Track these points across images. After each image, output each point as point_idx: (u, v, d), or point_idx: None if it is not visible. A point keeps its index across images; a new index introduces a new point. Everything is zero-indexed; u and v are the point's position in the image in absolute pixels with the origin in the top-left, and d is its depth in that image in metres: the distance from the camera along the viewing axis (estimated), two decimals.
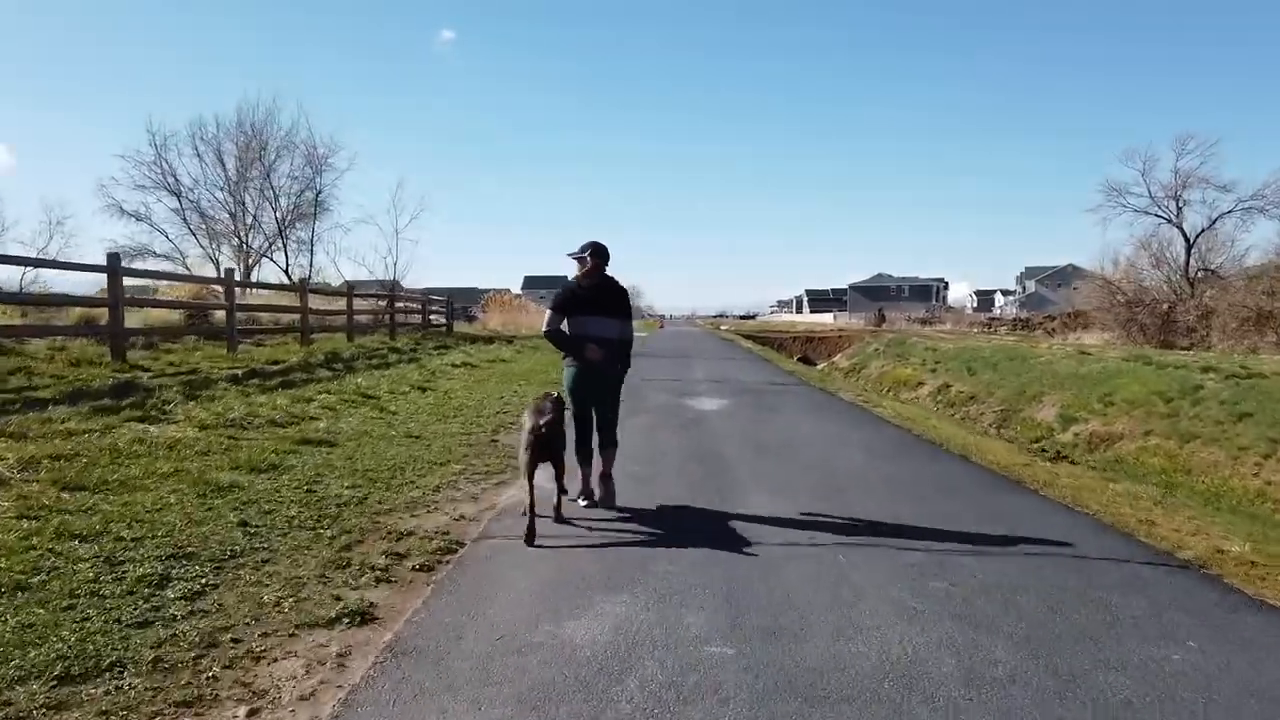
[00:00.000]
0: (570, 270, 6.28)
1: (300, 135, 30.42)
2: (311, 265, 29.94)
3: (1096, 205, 42.26)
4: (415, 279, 34.37)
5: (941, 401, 26.73)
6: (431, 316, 27.77)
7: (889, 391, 30.45)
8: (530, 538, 5.16)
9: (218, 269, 30.01)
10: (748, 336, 54.26)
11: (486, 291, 60.83)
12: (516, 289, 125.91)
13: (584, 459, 6.30)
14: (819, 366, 42.58)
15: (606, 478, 6.17)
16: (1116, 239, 70.90)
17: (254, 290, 22.18)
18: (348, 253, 49.75)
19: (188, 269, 29.10)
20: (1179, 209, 39.38)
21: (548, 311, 6.19)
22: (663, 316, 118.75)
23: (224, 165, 29.46)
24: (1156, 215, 40.35)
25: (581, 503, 6.14)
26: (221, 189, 29.71)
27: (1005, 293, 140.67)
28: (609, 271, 6.21)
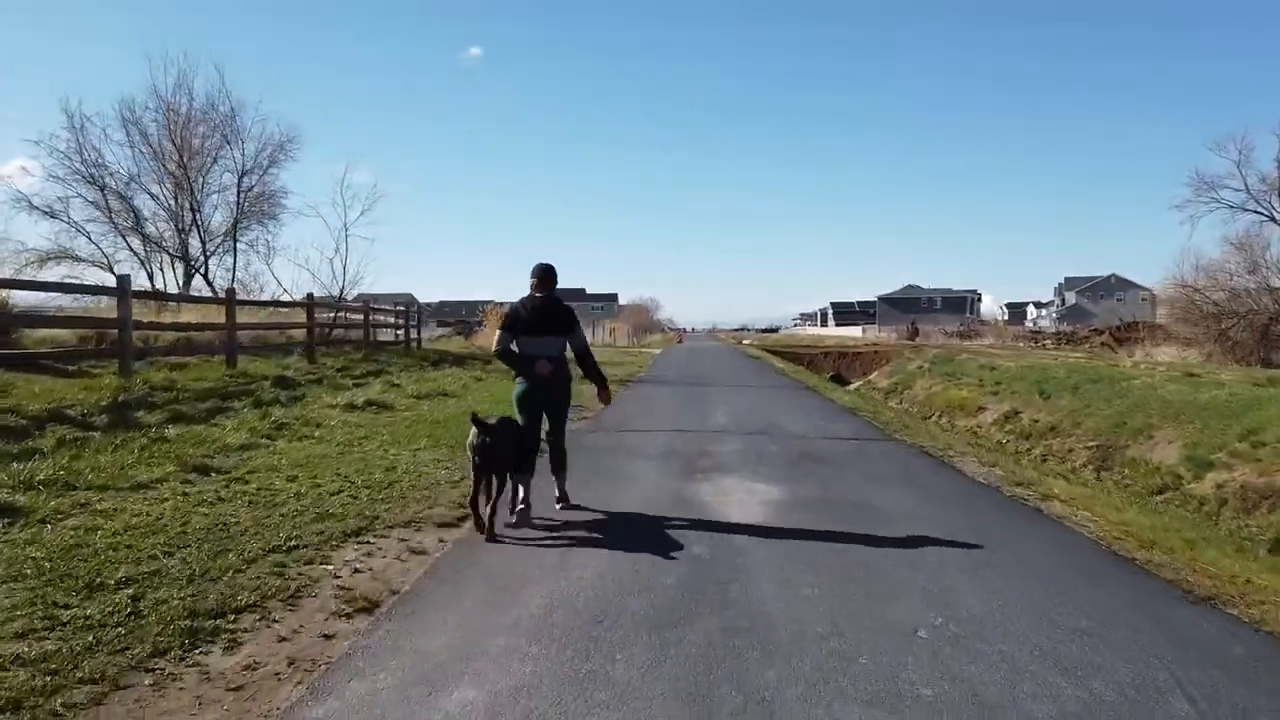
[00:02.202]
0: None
1: (222, 109, 25.65)
2: (234, 271, 25.20)
3: (1183, 202, 37.09)
4: (391, 285, 29.51)
5: (1012, 432, 22.02)
6: (379, 331, 22.82)
7: (942, 417, 25.83)
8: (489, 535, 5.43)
9: (150, 278, 25.63)
10: (774, 352, 50.18)
11: (501, 305, 56.15)
12: None
13: (526, 470, 6.12)
14: (853, 385, 38.29)
15: (563, 498, 6.47)
16: (1200, 241, 65.35)
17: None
18: (289, 254, 42.98)
19: (117, 277, 24.53)
20: None
21: (498, 332, 6.37)
22: (682, 330, 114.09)
23: (153, 150, 24.85)
24: (1255, 212, 35.16)
25: (512, 518, 5.92)
26: (157, 180, 25.16)
27: (1039, 305, 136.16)
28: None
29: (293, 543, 5.00)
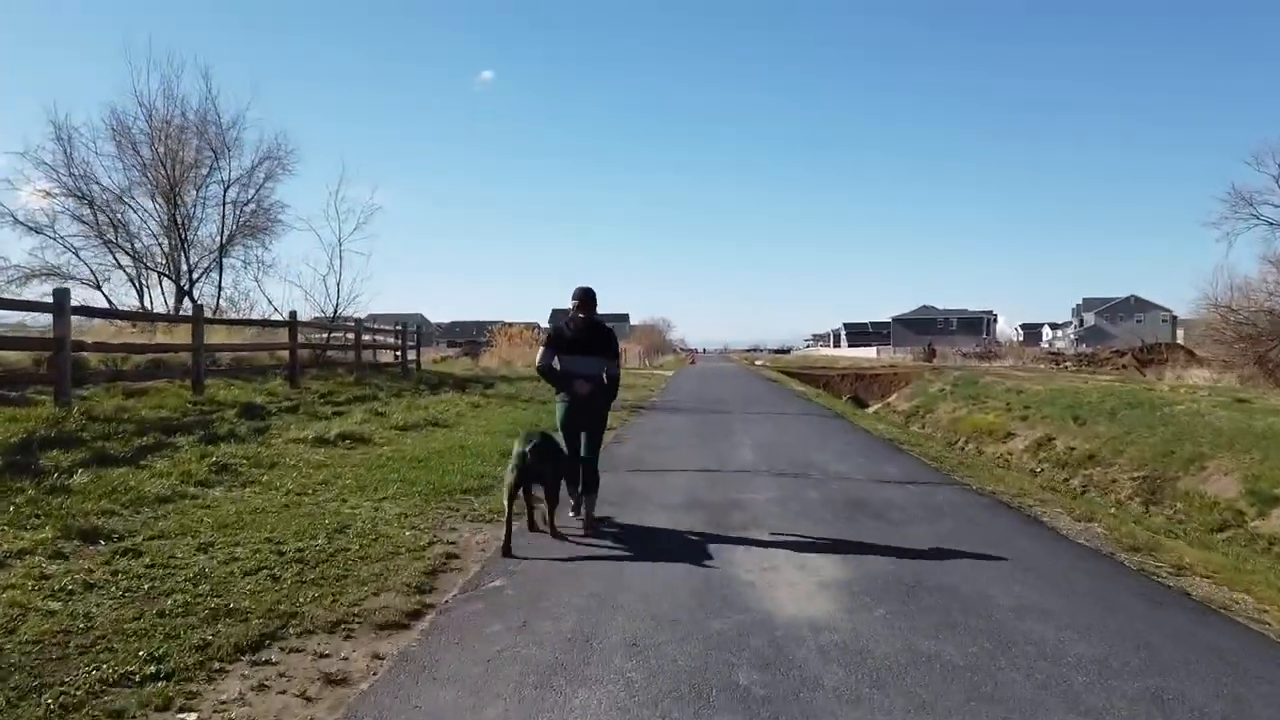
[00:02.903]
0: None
1: (211, 117, 24.24)
2: (221, 289, 23.65)
3: (1218, 218, 35.35)
4: (386, 304, 28.09)
5: (1046, 460, 20.40)
6: (379, 353, 21.20)
7: (969, 442, 24.15)
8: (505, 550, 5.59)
9: (140, 296, 24.22)
10: (789, 373, 48.61)
11: (510, 325, 54.36)
12: (544, 322, 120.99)
13: (573, 483, 6.50)
14: (872, 408, 36.67)
15: (589, 520, 6.46)
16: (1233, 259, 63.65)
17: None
18: (282, 270, 40.69)
19: (105, 296, 23.16)
20: None
21: (540, 348, 6.55)
22: (693, 351, 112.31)
23: (143, 161, 23.45)
24: None
25: (570, 514, 6.46)
26: (147, 194, 23.77)
27: (1054, 326, 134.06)
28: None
29: (153, 668, 3.40)
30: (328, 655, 3.74)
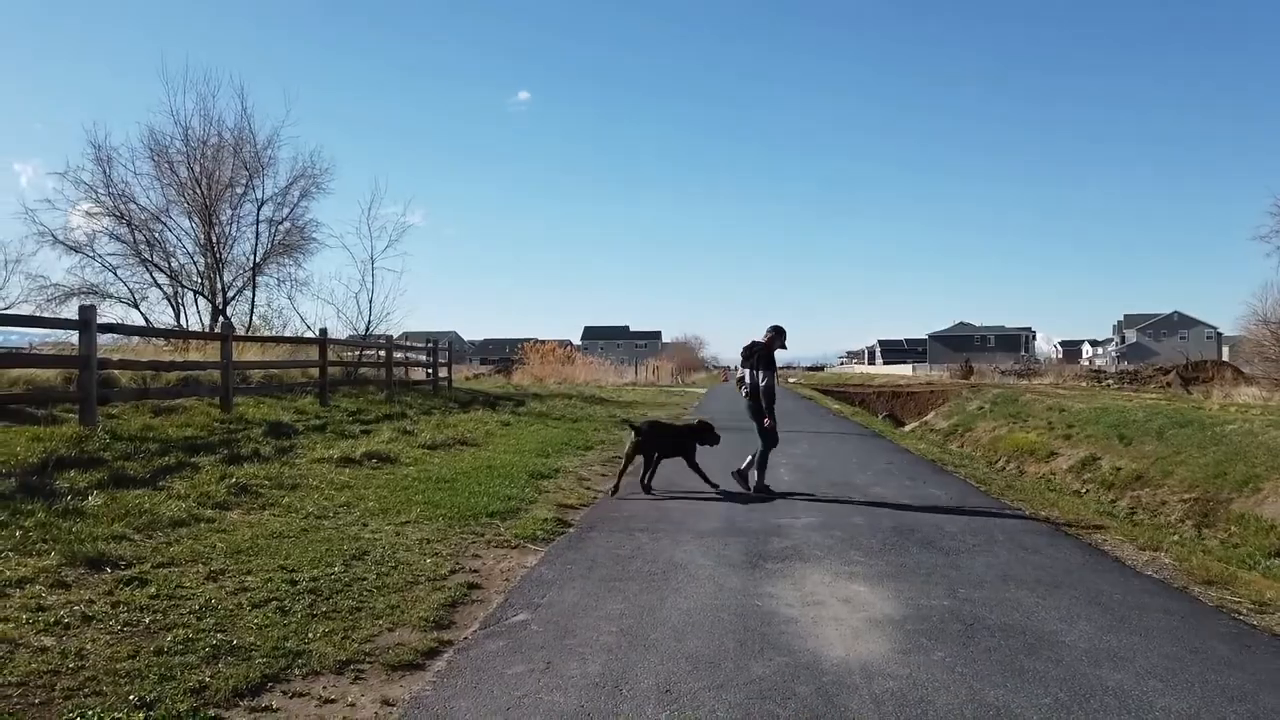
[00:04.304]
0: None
1: (246, 136, 24.34)
2: (254, 306, 23.65)
3: (1268, 232, 34.15)
4: (421, 323, 28.04)
5: (1091, 481, 19.66)
6: (411, 370, 21.06)
7: (1010, 462, 23.46)
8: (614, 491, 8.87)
9: (176, 314, 24.38)
10: (824, 391, 48.03)
11: (544, 342, 54.17)
12: (577, 339, 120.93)
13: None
14: (909, 427, 35.98)
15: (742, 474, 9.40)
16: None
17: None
18: (314, 289, 39.83)
19: (143, 314, 23.33)
20: None
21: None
22: (727, 368, 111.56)
23: (180, 182, 23.62)
24: None
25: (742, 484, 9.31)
26: (184, 213, 23.93)
27: (1095, 343, 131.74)
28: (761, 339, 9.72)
29: (142, 715, 3.13)
30: (333, 701, 3.42)
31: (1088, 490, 18.85)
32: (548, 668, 3.80)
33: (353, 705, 3.39)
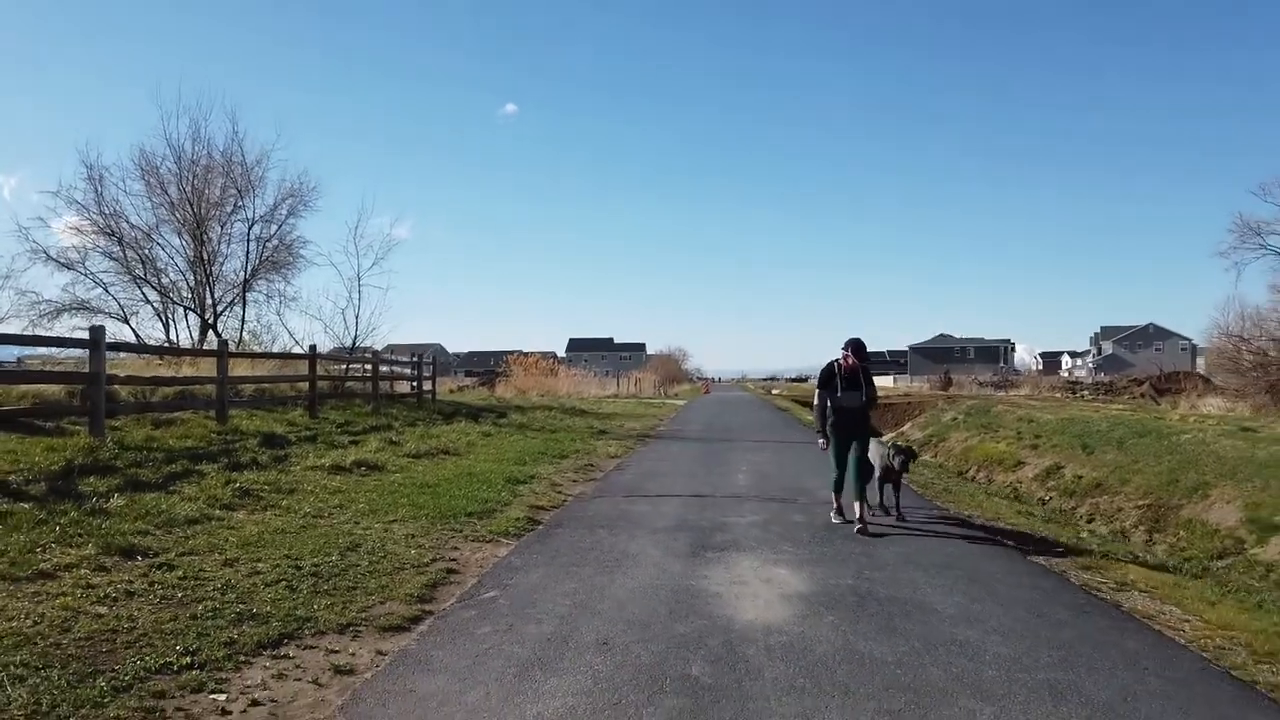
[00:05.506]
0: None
1: (236, 158, 25.09)
2: (244, 322, 24.41)
3: (1227, 248, 35.46)
4: (406, 335, 28.76)
5: (1054, 489, 20.60)
6: (396, 384, 21.89)
7: (980, 471, 24.45)
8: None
9: (166, 330, 25.09)
10: (804, 403, 48.80)
11: (528, 355, 54.87)
12: (561, 351, 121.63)
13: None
14: (886, 438, 36.86)
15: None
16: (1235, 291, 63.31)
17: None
18: (302, 304, 40.17)
19: (133, 329, 24.02)
20: None
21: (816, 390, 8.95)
22: (708, 380, 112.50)
23: (171, 200, 24.39)
24: None
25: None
26: (174, 230, 24.66)
27: (1074, 354, 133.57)
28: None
29: (188, 659, 3.99)
30: (337, 651, 4.31)
31: (1051, 497, 19.82)
32: (510, 629, 4.69)
33: (353, 655, 4.28)
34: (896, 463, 8.72)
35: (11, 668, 3.73)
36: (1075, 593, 5.85)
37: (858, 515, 7.99)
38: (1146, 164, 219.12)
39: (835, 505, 8.54)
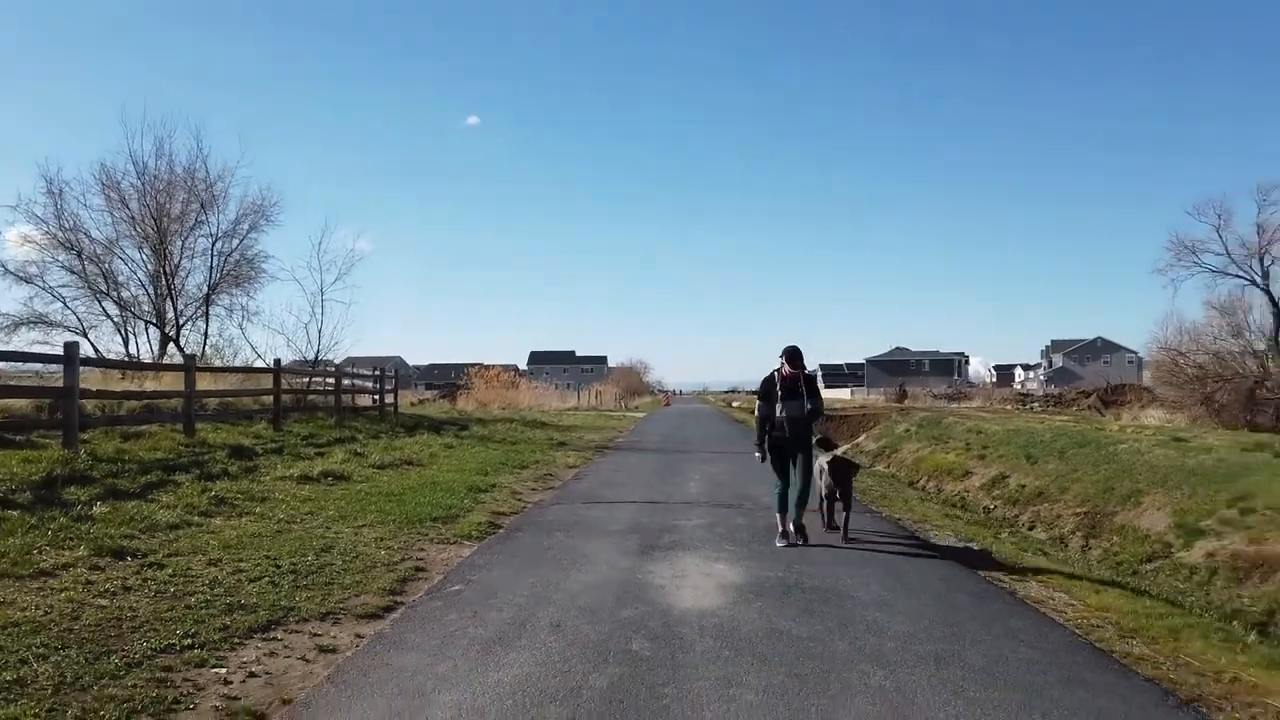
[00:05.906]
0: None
1: (200, 173, 25.34)
2: (206, 336, 24.64)
3: (1165, 266, 37.21)
4: (367, 348, 29.06)
5: (999, 498, 21.55)
6: (358, 396, 22.29)
7: (929, 481, 25.39)
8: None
9: (125, 344, 25.19)
10: None
11: (489, 367, 55.24)
12: (523, 364, 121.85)
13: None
14: (841, 449, 37.74)
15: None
16: (1180, 305, 65.77)
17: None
18: (265, 318, 39.79)
19: (91, 343, 24.10)
20: (1264, 269, 34.26)
21: (758, 401, 8.66)
22: (669, 392, 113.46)
23: (132, 215, 24.55)
24: (1237, 276, 35.22)
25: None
26: (135, 245, 24.81)
27: (1026, 367, 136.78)
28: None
29: (189, 641, 4.53)
30: (320, 635, 4.88)
31: (996, 505, 20.73)
32: (474, 615, 5.29)
33: (335, 637, 4.86)
34: (824, 485, 8.62)
35: (34, 648, 4.25)
36: (978, 582, 6.59)
37: (792, 527, 7.97)
38: (1090, 181, 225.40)
39: (780, 528, 8.08)
